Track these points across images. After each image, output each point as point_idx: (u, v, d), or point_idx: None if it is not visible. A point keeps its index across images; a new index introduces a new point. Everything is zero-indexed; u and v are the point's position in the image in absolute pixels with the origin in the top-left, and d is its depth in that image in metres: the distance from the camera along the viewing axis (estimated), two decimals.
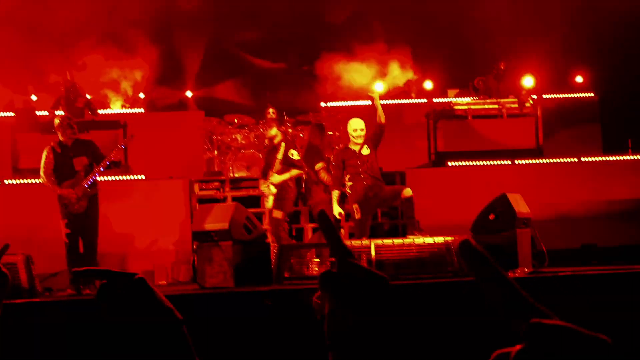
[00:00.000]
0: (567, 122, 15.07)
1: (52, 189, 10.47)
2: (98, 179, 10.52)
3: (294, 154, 11.37)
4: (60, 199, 10.37)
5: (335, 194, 10.93)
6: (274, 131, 11.59)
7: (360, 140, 10.80)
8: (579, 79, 16.54)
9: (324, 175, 11.65)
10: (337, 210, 10.87)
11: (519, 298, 2.02)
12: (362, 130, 10.83)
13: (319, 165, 11.77)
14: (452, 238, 10.36)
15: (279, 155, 11.28)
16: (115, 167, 10.64)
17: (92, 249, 10.47)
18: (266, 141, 12.19)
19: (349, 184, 10.89)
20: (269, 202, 11.38)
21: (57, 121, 10.59)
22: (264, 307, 8.68)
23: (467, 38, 17.35)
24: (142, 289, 1.77)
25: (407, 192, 10.81)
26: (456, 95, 15.85)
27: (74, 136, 10.50)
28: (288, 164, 11.36)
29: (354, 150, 10.83)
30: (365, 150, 10.80)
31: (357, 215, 10.79)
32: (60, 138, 10.46)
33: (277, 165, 11.32)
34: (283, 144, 11.34)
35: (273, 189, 11.31)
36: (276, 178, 11.30)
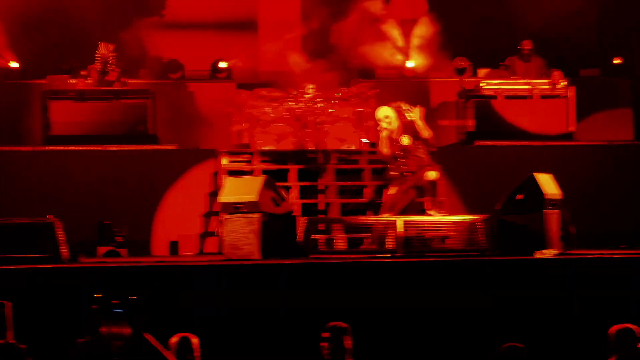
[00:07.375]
0: (601, 104, 14.93)
1: None
2: None
3: None
4: None
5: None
6: None
7: (385, 132, 10.76)
8: (617, 61, 16.25)
9: None
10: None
11: None
12: (386, 117, 10.82)
13: None
14: (479, 217, 10.33)
15: None
16: None
17: None
18: None
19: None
20: None
21: None
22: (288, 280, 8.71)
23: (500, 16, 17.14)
24: None
25: (431, 175, 10.79)
26: (486, 75, 15.71)
27: None
28: None
29: (396, 139, 10.83)
30: (406, 140, 10.80)
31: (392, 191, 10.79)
32: None
33: None
34: None
35: None
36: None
